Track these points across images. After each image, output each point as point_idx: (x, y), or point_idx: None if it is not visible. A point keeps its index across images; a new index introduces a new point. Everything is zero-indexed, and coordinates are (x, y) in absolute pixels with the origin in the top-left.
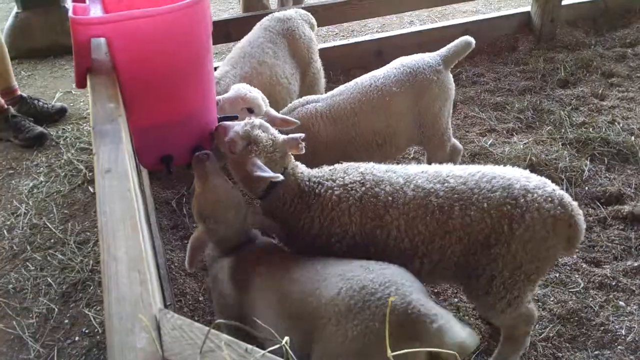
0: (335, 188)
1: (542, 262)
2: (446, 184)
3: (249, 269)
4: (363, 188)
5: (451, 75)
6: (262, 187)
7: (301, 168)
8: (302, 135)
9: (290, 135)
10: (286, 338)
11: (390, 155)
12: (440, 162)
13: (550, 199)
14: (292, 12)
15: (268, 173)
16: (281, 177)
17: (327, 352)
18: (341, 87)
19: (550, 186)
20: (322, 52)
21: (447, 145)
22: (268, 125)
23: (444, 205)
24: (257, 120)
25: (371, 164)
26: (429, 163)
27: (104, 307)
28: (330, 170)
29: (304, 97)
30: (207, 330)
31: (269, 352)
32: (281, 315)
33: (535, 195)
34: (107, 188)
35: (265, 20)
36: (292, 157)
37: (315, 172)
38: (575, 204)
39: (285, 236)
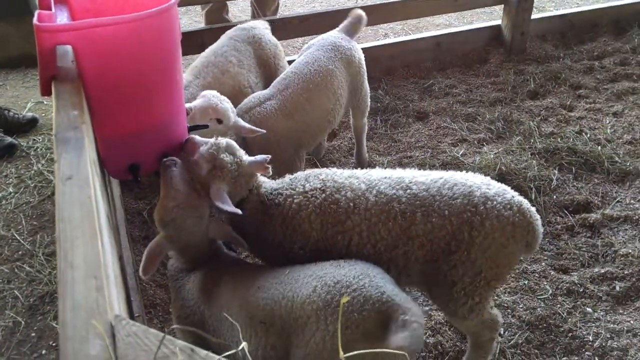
0: (295, 196)
1: (501, 268)
2: (409, 191)
3: (216, 280)
4: (323, 195)
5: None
6: None
7: (265, 185)
8: (268, 157)
9: (257, 157)
10: (244, 343)
11: (334, 127)
12: (362, 125)
13: (509, 206)
14: (256, 22)
15: (228, 207)
16: (240, 212)
17: (312, 352)
18: (282, 81)
19: (509, 193)
20: None
21: (367, 107)
22: (235, 146)
23: (407, 211)
24: (224, 142)
25: (333, 169)
26: (357, 127)
27: (59, 315)
28: (290, 179)
29: (254, 95)
30: (162, 337)
31: (225, 356)
32: (250, 324)
33: (495, 202)
34: (67, 195)
35: (230, 31)
36: (259, 175)
37: (276, 183)
38: (533, 209)
39: (251, 248)
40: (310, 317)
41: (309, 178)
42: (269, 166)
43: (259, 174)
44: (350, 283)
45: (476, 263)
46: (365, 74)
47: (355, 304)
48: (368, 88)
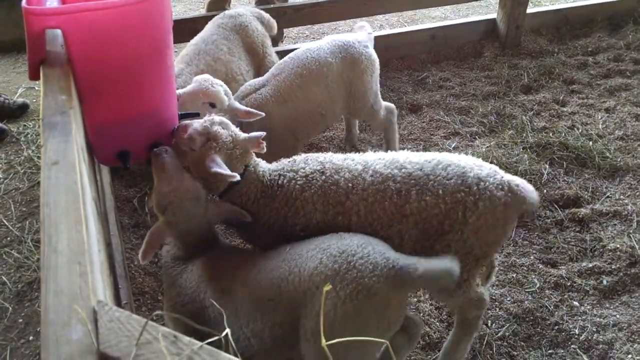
0: (298, 178)
1: (490, 247)
2: (403, 170)
3: (216, 268)
4: (323, 176)
5: (374, 52)
6: (223, 185)
7: (262, 165)
8: (263, 133)
9: (252, 134)
10: (227, 330)
11: (329, 125)
12: (379, 127)
13: (501, 186)
14: (242, 9)
15: (225, 170)
16: (238, 177)
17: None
18: (279, 66)
19: (499, 174)
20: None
21: (380, 112)
22: (229, 122)
23: (402, 189)
24: (217, 117)
25: (329, 153)
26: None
27: (41, 300)
28: (289, 162)
29: (249, 82)
30: (145, 322)
31: (207, 343)
32: (257, 306)
33: (488, 183)
34: (52, 180)
35: (217, 18)
36: (254, 154)
37: (274, 165)
38: (521, 182)
39: (246, 235)
40: (319, 287)
41: (308, 160)
42: (264, 142)
43: (254, 154)
44: (355, 252)
45: (467, 242)
46: (373, 85)
47: (364, 271)
48: (372, 102)
